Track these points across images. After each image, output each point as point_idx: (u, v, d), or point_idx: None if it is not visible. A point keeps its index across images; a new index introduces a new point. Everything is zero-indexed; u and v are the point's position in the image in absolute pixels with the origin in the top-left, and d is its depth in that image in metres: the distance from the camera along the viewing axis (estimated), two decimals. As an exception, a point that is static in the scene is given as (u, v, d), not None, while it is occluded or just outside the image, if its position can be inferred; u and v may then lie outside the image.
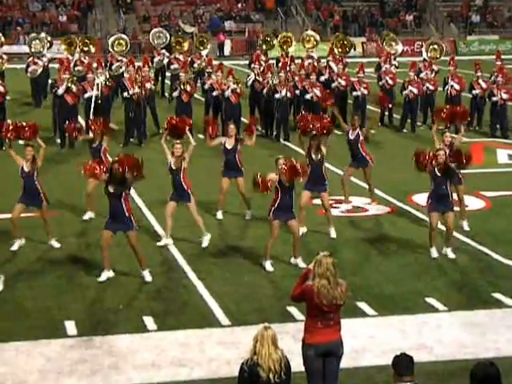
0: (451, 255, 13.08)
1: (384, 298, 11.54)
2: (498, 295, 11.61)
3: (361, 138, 15.59)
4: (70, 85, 21.51)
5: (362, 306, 11.19)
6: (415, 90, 23.51)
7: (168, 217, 13.65)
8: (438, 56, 27.27)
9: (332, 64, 25.79)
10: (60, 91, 21.52)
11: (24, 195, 13.43)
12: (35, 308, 11.21)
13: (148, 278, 12.17)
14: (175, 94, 22.55)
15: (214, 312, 11.06)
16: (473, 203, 16.24)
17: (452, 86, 23.36)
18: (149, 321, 10.75)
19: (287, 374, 7.09)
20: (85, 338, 10.29)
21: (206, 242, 13.67)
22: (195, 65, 28.71)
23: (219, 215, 15.21)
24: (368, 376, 9.41)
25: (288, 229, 12.66)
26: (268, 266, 12.60)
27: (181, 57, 28.61)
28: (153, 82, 23.82)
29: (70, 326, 10.58)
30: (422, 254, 13.19)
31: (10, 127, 13.58)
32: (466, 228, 14.50)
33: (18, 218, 13.44)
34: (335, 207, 15.72)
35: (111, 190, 11.92)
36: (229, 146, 14.95)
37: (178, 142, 13.69)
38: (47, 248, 13.52)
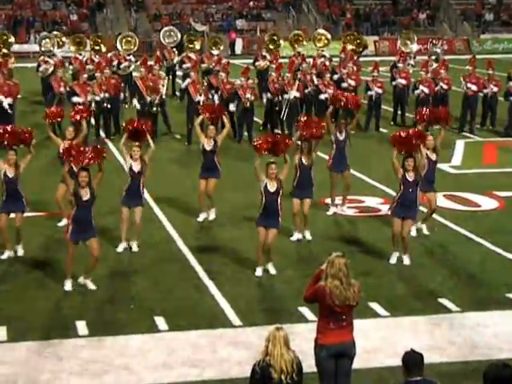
0: (407, 261, 12.81)
1: (396, 299, 11.49)
2: (511, 295, 11.53)
3: (348, 139, 15.36)
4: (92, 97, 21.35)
5: (374, 306, 11.13)
6: (426, 90, 23.39)
7: (125, 222, 13.39)
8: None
9: (342, 69, 25.50)
10: (75, 99, 21.27)
11: (6, 202, 12.93)
12: (46, 308, 11.21)
13: (92, 286, 11.86)
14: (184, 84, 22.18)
15: (225, 312, 11.02)
16: (486, 203, 16.16)
17: (469, 88, 23.18)
18: (160, 321, 10.72)
19: (299, 375, 7.07)
20: (96, 338, 10.27)
21: (135, 247, 13.45)
22: (204, 65, 28.60)
23: (212, 215, 15.05)
24: (380, 377, 9.37)
25: (267, 234, 12.28)
26: (258, 271, 12.37)
27: (193, 55, 28.54)
28: (165, 87, 23.46)
29: (81, 326, 10.57)
30: (434, 254, 13.10)
31: (7, 131, 12.89)
32: (426, 232, 14.27)
33: (6, 228, 12.94)
34: (350, 207, 15.72)
35: (85, 198, 11.66)
36: (208, 148, 14.86)
37: (136, 144, 13.49)
38: (58, 248, 13.47)
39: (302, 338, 9.56)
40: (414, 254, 13.15)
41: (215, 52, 29.04)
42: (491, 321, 10.77)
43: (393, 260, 12.90)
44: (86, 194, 11.69)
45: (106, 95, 22.02)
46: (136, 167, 13.32)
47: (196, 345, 10.10)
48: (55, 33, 31.81)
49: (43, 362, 9.65)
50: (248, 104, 21.58)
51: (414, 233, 14.05)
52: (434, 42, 28.78)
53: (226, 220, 15.05)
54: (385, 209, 15.73)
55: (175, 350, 9.97)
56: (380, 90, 23.47)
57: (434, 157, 13.96)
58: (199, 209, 15.07)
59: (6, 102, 21.52)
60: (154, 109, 21.76)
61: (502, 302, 11.35)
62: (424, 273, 12.53)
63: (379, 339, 10.23)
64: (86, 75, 22.31)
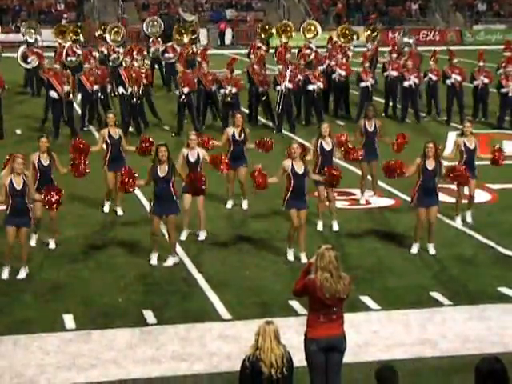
0: (432, 251, 12.81)
1: (388, 292, 11.39)
2: (503, 289, 11.46)
3: (378, 130, 15.31)
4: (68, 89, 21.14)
5: (366, 299, 11.04)
6: (416, 80, 23.26)
7: (187, 212, 13.44)
8: None
9: (328, 60, 25.28)
10: (53, 94, 21.05)
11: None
12: (34, 301, 11.09)
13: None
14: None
15: (214, 306, 10.92)
16: (478, 196, 16.01)
17: (454, 78, 23.07)
18: (148, 314, 10.62)
19: (289, 370, 7.01)
20: (83, 331, 10.16)
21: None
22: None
23: (245, 205, 15.13)
24: (371, 371, 9.23)
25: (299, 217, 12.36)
26: (290, 255, 12.46)
27: (178, 47, 28.22)
28: (148, 78, 23.17)
29: (69, 320, 10.46)
30: (425, 247, 13.00)
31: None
32: (469, 220, 14.38)
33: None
34: (340, 199, 15.60)
35: (162, 174, 11.96)
36: (238, 137, 14.77)
37: (193, 133, 13.70)
38: (45, 242, 13.32)
39: (293, 332, 9.47)
40: (405, 247, 13.08)
41: (185, 40, 28.48)
42: (483, 315, 10.69)
43: (414, 250, 12.82)
44: (163, 171, 11.93)
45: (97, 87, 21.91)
46: (192, 157, 13.22)
47: (185, 338, 10.00)
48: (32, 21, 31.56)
49: (30, 356, 9.53)
50: (229, 98, 21.31)
51: (458, 222, 14.19)
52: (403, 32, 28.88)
53: (213, 212, 14.87)
54: (376, 201, 15.69)
55: (164, 343, 9.87)
56: (373, 81, 23.33)
57: (472, 145, 14.04)
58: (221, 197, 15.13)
59: None
60: (135, 99, 21.48)
61: (494, 295, 11.27)
62: (416, 266, 12.43)
63: (370, 333, 10.15)
64: (58, 66, 22.00)
